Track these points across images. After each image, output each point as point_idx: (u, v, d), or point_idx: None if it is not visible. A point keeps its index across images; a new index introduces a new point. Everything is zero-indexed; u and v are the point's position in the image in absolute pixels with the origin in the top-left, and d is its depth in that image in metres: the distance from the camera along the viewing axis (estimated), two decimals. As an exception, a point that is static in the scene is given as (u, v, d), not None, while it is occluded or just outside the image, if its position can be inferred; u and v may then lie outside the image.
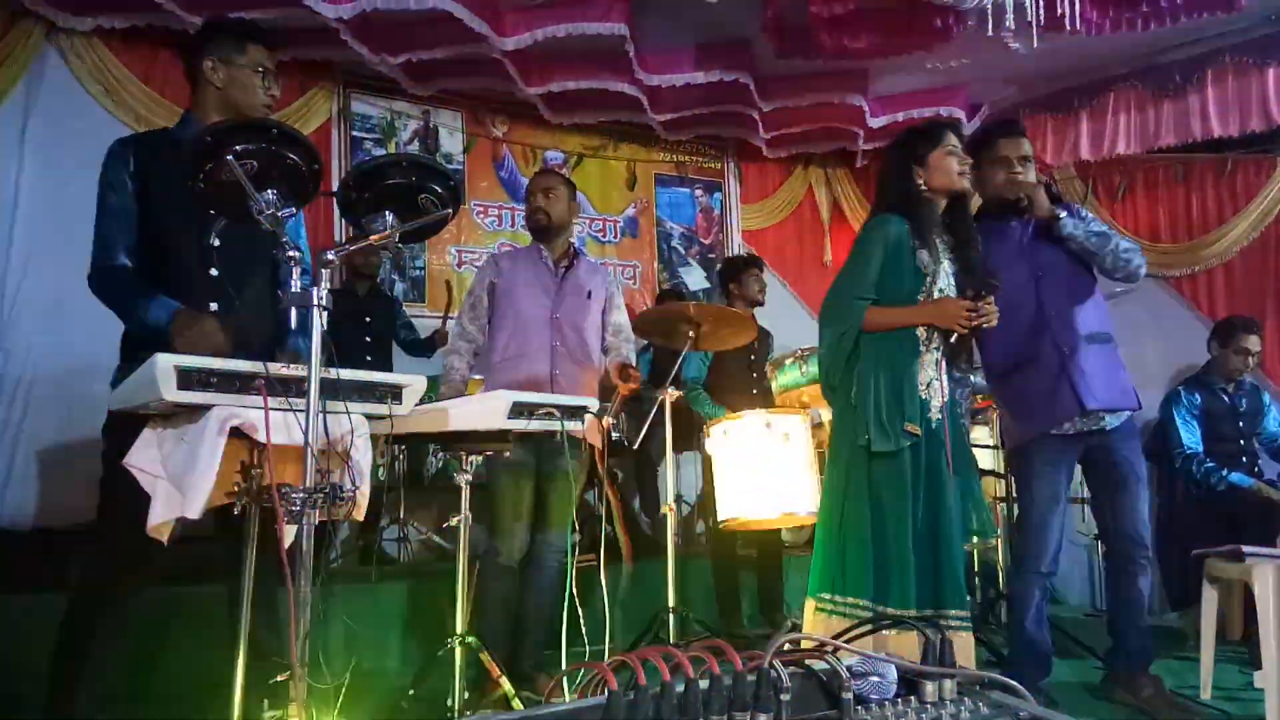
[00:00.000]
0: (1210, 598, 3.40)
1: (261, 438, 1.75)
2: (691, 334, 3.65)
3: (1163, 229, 5.73)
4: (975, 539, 2.72)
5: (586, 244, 6.62)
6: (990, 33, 4.31)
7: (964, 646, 2.48)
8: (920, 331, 2.64)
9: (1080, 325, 2.97)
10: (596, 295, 3.50)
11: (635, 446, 4.74)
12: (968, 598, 2.61)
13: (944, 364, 2.67)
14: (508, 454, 2.89)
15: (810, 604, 2.63)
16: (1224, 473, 4.32)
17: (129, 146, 2.31)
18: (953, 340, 2.68)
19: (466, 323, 3.41)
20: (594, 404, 2.76)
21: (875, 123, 6.14)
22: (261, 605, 1.95)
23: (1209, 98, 5.52)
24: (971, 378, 4.41)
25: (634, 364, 3.42)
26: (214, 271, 2.27)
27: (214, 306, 2.25)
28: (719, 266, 7.02)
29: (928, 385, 2.63)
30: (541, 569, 3.26)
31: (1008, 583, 5.33)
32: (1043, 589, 3.02)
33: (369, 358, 4.83)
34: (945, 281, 2.70)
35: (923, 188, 2.69)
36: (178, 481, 1.82)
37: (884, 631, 2.21)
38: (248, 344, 2.08)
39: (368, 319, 4.98)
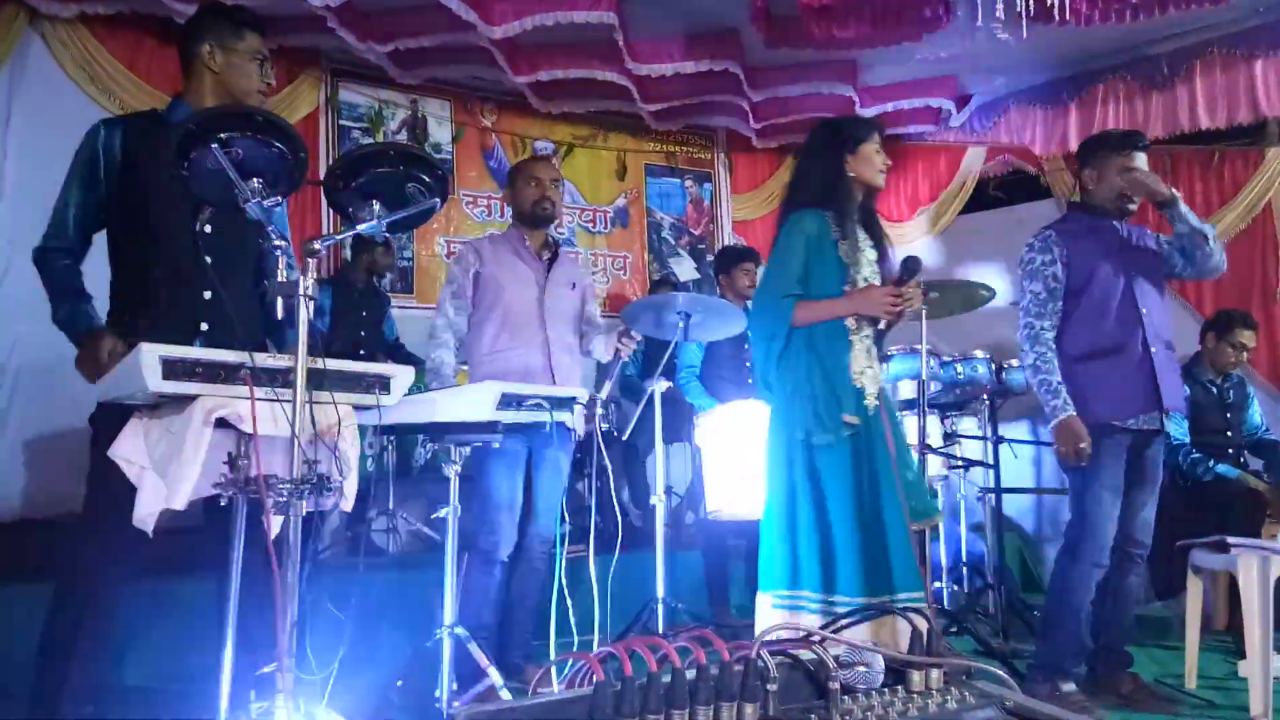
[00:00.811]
0: (1195, 588, 3.42)
1: (248, 428, 1.74)
2: (681, 324, 3.66)
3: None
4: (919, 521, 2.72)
5: (577, 234, 6.61)
6: (979, 23, 4.31)
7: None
8: (849, 321, 2.68)
9: (1164, 328, 3.06)
10: (578, 286, 3.48)
11: (624, 437, 4.74)
12: (919, 579, 2.60)
13: (875, 351, 2.72)
14: (496, 444, 2.89)
15: (764, 599, 2.64)
16: (1210, 463, 4.35)
17: (115, 128, 2.27)
18: (881, 326, 2.73)
19: (452, 313, 3.30)
20: (583, 394, 2.76)
21: (865, 113, 6.12)
22: (249, 596, 1.94)
23: (1197, 90, 5.53)
24: (961, 369, 4.44)
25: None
26: (208, 259, 2.23)
27: (207, 295, 2.21)
28: (712, 257, 7.08)
29: (861, 374, 2.66)
30: (530, 560, 3.25)
31: (1031, 572, 5.39)
32: (1095, 582, 3.03)
33: (362, 352, 4.81)
34: (869, 270, 2.74)
35: (850, 175, 2.75)
36: (163, 472, 1.81)
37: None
38: (236, 333, 2.07)
39: (364, 313, 4.97)
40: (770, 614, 2.60)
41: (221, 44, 2.31)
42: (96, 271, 2.31)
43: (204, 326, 2.21)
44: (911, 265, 2.71)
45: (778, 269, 2.74)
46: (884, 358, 2.84)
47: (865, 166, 2.75)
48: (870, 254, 2.77)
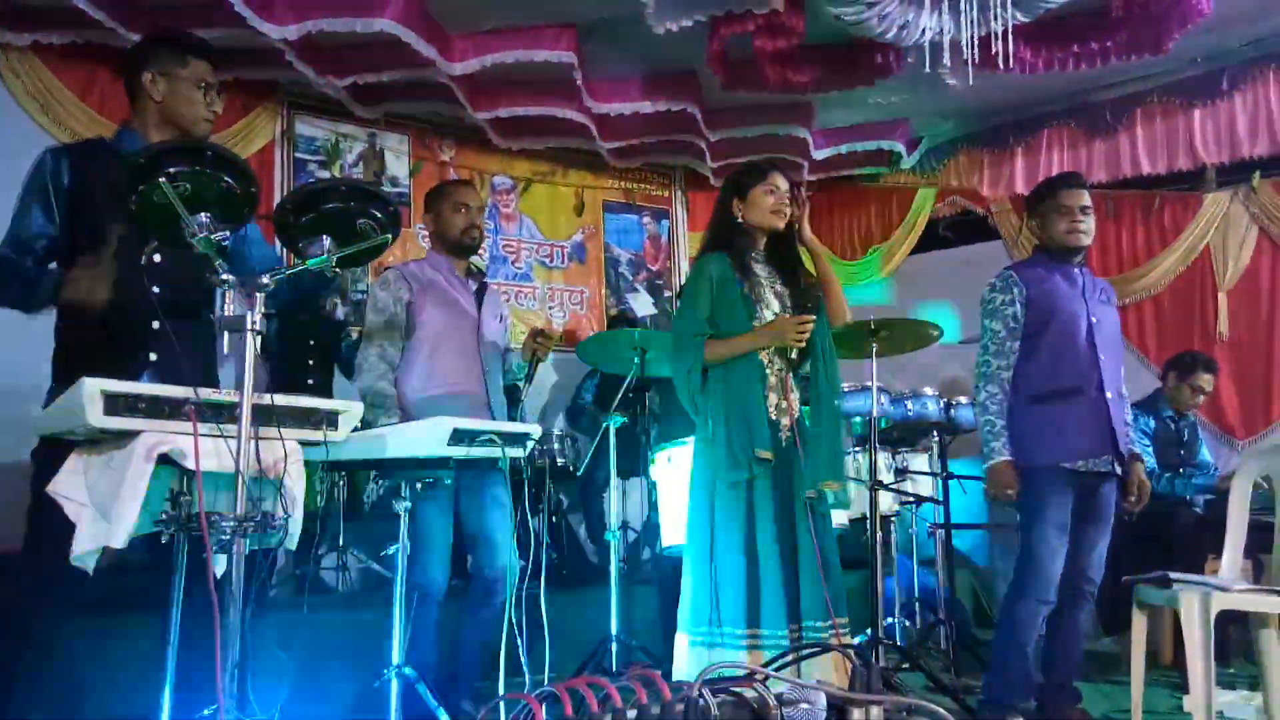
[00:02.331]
0: (1140, 624, 3.45)
1: (191, 465, 1.72)
2: (636, 360, 3.69)
3: (1094, 262, 5.89)
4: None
5: (534, 269, 6.62)
6: (928, 69, 4.43)
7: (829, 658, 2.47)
8: (762, 356, 2.77)
9: (1119, 379, 3.15)
10: (504, 319, 3.43)
11: (579, 472, 4.73)
12: (843, 605, 2.66)
13: (790, 383, 2.80)
14: (448, 481, 2.86)
15: (682, 639, 2.68)
16: (1188, 479, 4.50)
17: (62, 157, 2.24)
18: (792, 356, 2.82)
19: (386, 344, 3.13)
20: (537, 431, 2.74)
21: (819, 154, 6.26)
22: (190, 636, 1.90)
23: (1138, 136, 5.74)
24: (911, 405, 4.51)
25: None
26: (155, 289, 2.20)
27: (155, 325, 2.18)
28: (669, 293, 7.12)
29: (775, 407, 2.75)
30: (487, 598, 3.13)
31: (983, 607, 5.42)
32: (1042, 618, 3.06)
33: (310, 381, 4.75)
34: (778, 306, 2.84)
35: (739, 221, 2.87)
36: (103, 509, 1.77)
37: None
38: (183, 364, 2.03)
39: (311, 343, 4.91)
40: (687, 653, 2.64)
41: (164, 71, 2.29)
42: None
43: (153, 356, 2.18)
44: (813, 292, 2.86)
45: (686, 311, 2.85)
46: (815, 389, 2.90)
47: (753, 211, 2.86)
48: (779, 287, 2.88)
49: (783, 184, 2.89)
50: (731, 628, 2.56)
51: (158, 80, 2.30)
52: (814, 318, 2.74)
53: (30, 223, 2.21)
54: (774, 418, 2.73)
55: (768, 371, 2.77)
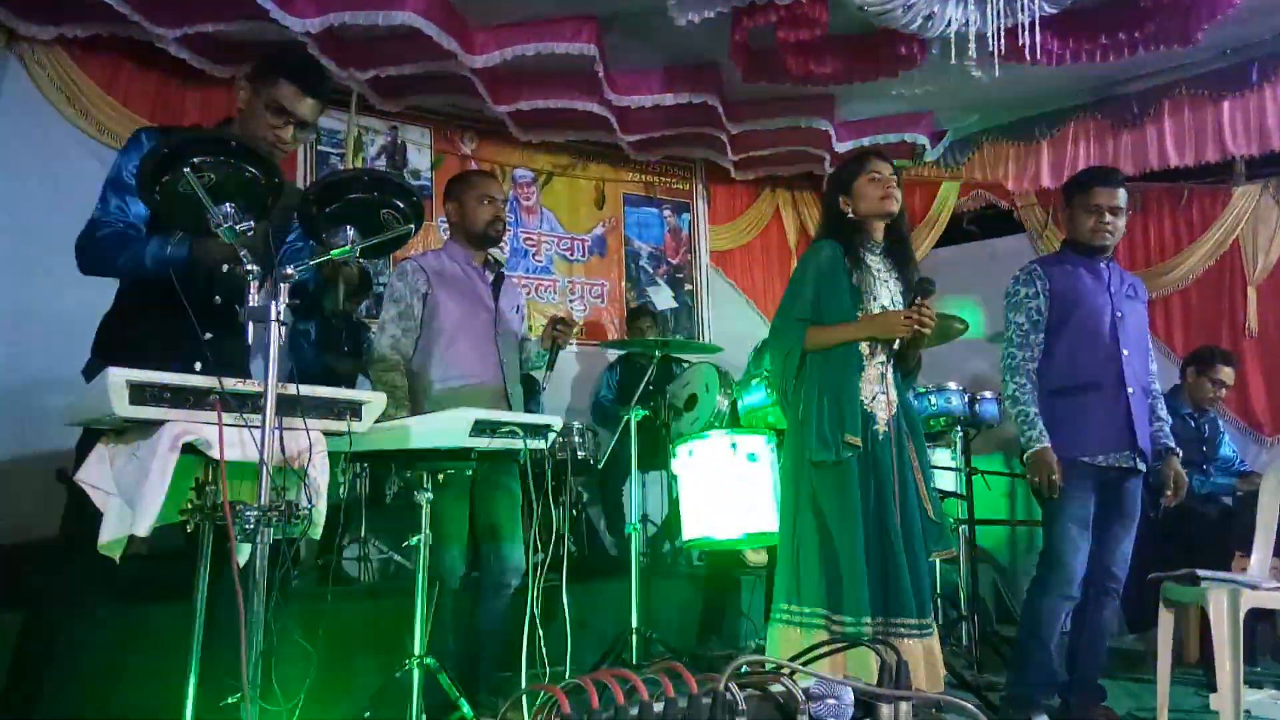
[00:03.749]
0: (1166, 621, 3.41)
1: (215, 454, 1.72)
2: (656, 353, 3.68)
3: (1121, 256, 5.82)
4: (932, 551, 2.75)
5: (555, 262, 6.62)
6: (953, 61, 4.38)
7: (915, 653, 2.53)
8: (864, 347, 2.75)
9: (1144, 374, 3.13)
10: (521, 310, 3.43)
11: (600, 465, 4.73)
12: (928, 605, 2.66)
13: (890, 378, 2.76)
14: (469, 473, 2.85)
15: (776, 615, 2.70)
16: (1206, 478, 4.44)
17: (155, 138, 2.21)
18: (896, 347, 2.76)
19: (400, 335, 3.12)
20: (558, 422, 2.73)
21: (841, 147, 6.21)
22: (217, 625, 1.91)
23: (1166, 129, 5.65)
24: (935, 400, 4.47)
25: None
26: (217, 299, 2.23)
27: (209, 335, 2.16)
28: (690, 286, 7.10)
29: (872, 399, 2.71)
30: (497, 590, 3.14)
31: (1006, 603, 5.39)
32: (1066, 613, 3.04)
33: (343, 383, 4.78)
34: (888, 299, 2.81)
35: (849, 215, 2.85)
36: (129, 498, 1.79)
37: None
38: (234, 370, 2.03)
39: (346, 349, 4.94)
40: (776, 629, 2.67)
41: (252, 83, 2.29)
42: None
43: (197, 367, 2.18)
44: (925, 287, 2.76)
45: (792, 295, 2.84)
46: (910, 387, 2.92)
47: (861, 202, 2.84)
48: (892, 282, 2.85)
49: (886, 169, 2.86)
50: (813, 607, 2.57)
51: (243, 88, 2.31)
52: (918, 311, 2.67)
53: (120, 196, 2.19)
54: (869, 409, 2.70)
55: (866, 363, 2.74)
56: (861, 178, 2.84)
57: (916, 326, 2.66)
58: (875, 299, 2.78)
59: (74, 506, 2.06)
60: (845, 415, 2.64)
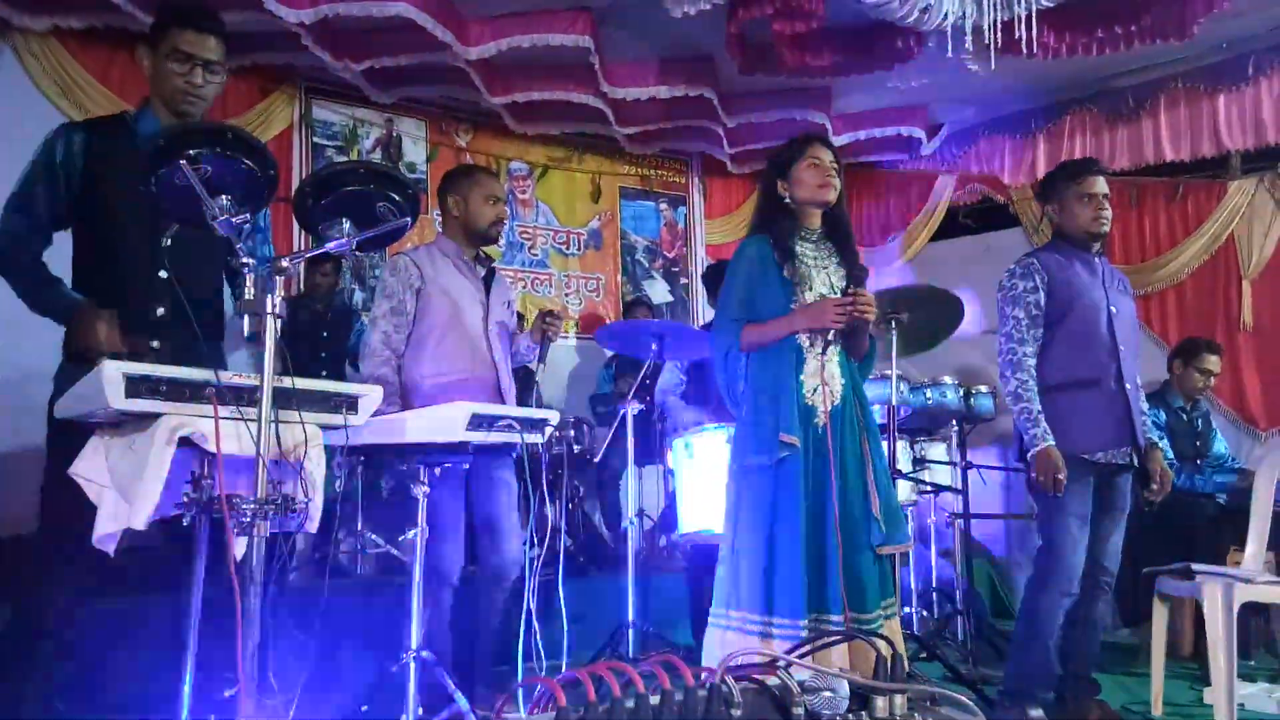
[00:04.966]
0: (1161, 615, 3.44)
1: (211, 447, 1.72)
2: (655, 345, 3.67)
3: (1116, 250, 5.83)
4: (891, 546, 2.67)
5: (550, 255, 6.61)
6: (950, 54, 4.38)
7: (842, 651, 2.42)
8: (802, 339, 2.66)
9: (1137, 370, 3.11)
10: (511, 306, 3.41)
11: (596, 459, 4.73)
12: (871, 601, 2.56)
13: (833, 369, 2.68)
14: (466, 466, 2.85)
15: (711, 620, 2.65)
16: (1209, 476, 4.45)
17: (80, 132, 2.23)
18: (829, 337, 2.68)
19: (391, 330, 3.08)
20: (555, 416, 2.73)
21: (838, 140, 6.20)
22: (212, 619, 1.91)
23: (1161, 123, 5.66)
24: (930, 394, 4.47)
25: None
26: (163, 274, 2.20)
27: (160, 311, 2.19)
28: (685, 280, 7.10)
29: (813, 391, 2.64)
30: (494, 583, 3.14)
31: (1001, 597, 5.40)
32: (1065, 610, 3.03)
33: (324, 373, 4.77)
34: (825, 287, 2.73)
35: (787, 201, 2.77)
36: (124, 491, 1.78)
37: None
38: (194, 351, 2.03)
39: (324, 334, 4.94)
40: (712, 634, 2.62)
41: (150, 45, 2.27)
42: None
43: (154, 344, 2.18)
44: (856, 274, 2.74)
45: (725, 297, 2.79)
46: (867, 374, 2.86)
47: (798, 187, 2.75)
48: (832, 268, 2.78)
49: (827, 156, 2.75)
50: (749, 612, 2.52)
51: (144, 55, 2.28)
52: (856, 297, 2.60)
53: (34, 190, 2.22)
54: (809, 403, 2.63)
55: (806, 355, 2.66)
56: (801, 163, 2.73)
57: (855, 313, 2.61)
58: (810, 288, 2.70)
59: (52, 500, 2.05)
60: (781, 415, 2.59)
